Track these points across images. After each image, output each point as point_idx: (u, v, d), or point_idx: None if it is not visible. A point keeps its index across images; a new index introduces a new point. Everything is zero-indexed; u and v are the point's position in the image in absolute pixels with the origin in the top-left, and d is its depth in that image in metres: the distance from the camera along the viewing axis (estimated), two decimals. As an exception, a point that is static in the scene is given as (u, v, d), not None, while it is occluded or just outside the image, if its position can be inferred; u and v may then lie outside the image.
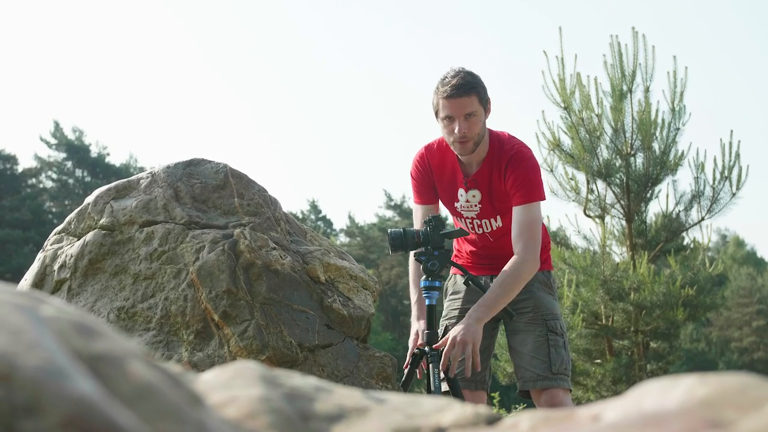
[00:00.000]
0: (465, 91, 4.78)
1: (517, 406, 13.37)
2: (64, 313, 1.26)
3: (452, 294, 5.41)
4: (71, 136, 55.98)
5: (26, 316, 1.16)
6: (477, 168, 5.02)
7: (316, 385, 1.62)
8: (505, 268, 4.88)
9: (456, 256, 5.42)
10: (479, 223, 5.13)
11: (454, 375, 4.81)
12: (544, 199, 4.98)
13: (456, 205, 5.16)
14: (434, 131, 5.17)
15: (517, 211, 4.91)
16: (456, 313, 5.32)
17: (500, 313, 4.99)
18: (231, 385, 1.52)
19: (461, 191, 5.10)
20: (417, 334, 5.06)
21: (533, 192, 4.90)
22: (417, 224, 5.23)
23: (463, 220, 5.19)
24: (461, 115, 4.81)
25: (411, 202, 5.38)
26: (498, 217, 5.08)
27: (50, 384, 1.00)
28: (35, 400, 0.98)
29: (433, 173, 5.16)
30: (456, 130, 4.83)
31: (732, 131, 12.95)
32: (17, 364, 1.01)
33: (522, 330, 5.16)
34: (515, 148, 4.96)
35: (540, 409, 4.92)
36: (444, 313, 5.45)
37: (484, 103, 4.88)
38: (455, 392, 4.85)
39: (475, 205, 5.08)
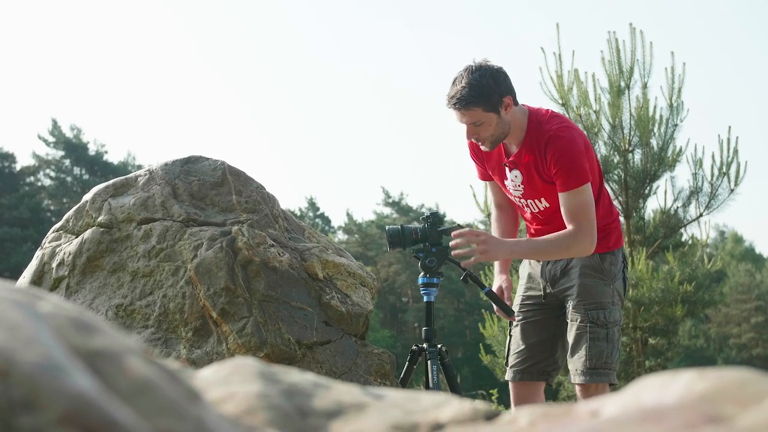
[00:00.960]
0: (464, 106, 4.73)
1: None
2: (62, 309, 1.26)
3: (519, 282, 5.41)
4: (69, 134, 55.97)
5: (24, 312, 1.16)
6: (517, 149, 4.97)
7: (315, 381, 1.62)
8: (560, 232, 4.84)
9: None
10: (526, 203, 5.08)
11: (456, 257, 4.82)
12: (587, 181, 4.81)
13: (506, 183, 5.13)
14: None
15: (563, 198, 4.84)
16: (519, 300, 5.31)
17: (501, 309, 5.00)
18: (229, 382, 1.52)
19: (506, 170, 5.06)
20: (499, 287, 5.24)
21: (572, 178, 4.78)
22: (491, 199, 5.47)
23: (515, 198, 5.15)
24: (468, 123, 4.80)
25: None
26: (542, 199, 4.99)
27: (48, 380, 1.00)
28: (33, 396, 0.98)
29: (483, 152, 5.13)
30: (466, 135, 4.88)
31: (730, 127, 12.94)
32: (15, 359, 1.01)
33: (569, 319, 5.05)
34: (552, 130, 4.85)
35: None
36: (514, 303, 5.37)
37: (493, 107, 4.76)
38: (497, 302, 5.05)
39: (519, 185, 5.03)
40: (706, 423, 1.16)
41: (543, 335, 5.20)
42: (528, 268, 5.33)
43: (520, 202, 5.13)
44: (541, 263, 5.18)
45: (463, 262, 4.79)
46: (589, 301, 4.97)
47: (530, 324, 5.24)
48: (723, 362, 52.03)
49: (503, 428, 1.45)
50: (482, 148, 4.96)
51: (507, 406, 13.87)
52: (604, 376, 4.93)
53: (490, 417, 1.54)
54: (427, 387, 4.89)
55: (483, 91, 4.71)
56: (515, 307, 5.29)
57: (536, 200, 5.02)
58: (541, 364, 5.20)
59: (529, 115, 4.94)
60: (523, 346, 5.22)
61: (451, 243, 4.76)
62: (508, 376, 5.28)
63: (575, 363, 4.98)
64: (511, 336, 5.33)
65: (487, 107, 4.74)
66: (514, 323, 5.30)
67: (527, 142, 4.90)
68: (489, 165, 5.19)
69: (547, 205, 5.01)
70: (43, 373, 1.01)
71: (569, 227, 4.82)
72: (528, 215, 5.20)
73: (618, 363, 5.07)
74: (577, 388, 5.03)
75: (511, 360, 5.26)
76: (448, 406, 1.55)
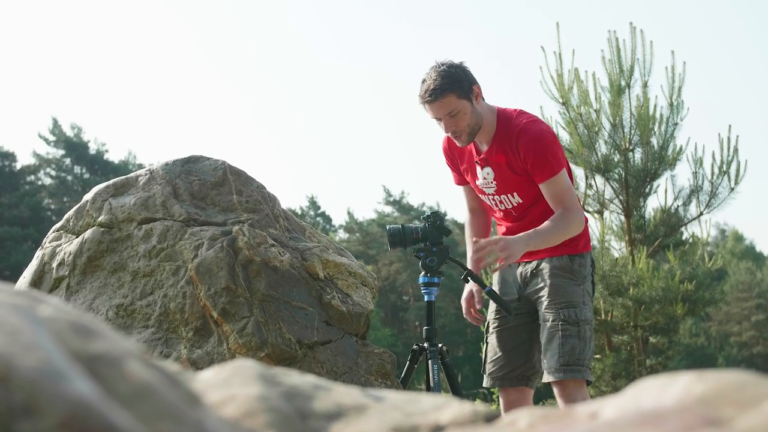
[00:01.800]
0: (438, 95, 4.86)
1: (544, 401, 13.37)
2: (62, 313, 1.26)
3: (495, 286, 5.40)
4: (70, 132, 56.03)
5: (23, 317, 1.16)
6: (487, 147, 5.09)
7: (315, 383, 1.62)
8: (553, 217, 4.96)
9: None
10: (500, 199, 5.16)
11: (477, 271, 4.94)
12: (563, 166, 5.03)
13: (477, 183, 5.22)
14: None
15: (545, 187, 5.00)
16: (495, 307, 5.31)
17: (501, 307, 5.01)
18: (229, 384, 1.52)
19: (478, 169, 5.17)
20: (470, 291, 5.38)
21: (549, 167, 4.95)
22: (465, 203, 5.56)
23: (486, 197, 5.24)
24: (443, 115, 4.91)
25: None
26: (515, 194, 5.09)
27: (48, 385, 1.00)
28: (33, 402, 0.98)
29: (455, 152, 5.30)
30: (444, 129, 4.99)
31: (730, 126, 12.94)
32: (14, 365, 1.01)
33: (542, 319, 5.09)
34: (522, 124, 5.01)
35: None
36: (489, 309, 5.43)
37: (466, 94, 4.91)
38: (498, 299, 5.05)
39: (491, 182, 5.12)
40: (704, 425, 1.16)
41: (519, 341, 5.23)
42: (501, 273, 5.36)
43: (493, 199, 5.21)
44: (513, 267, 5.23)
45: (494, 269, 4.90)
46: (560, 300, 5.03)
47: (507, 330, 5.27)
48: (724, 360, 52.05)
49: (503, 430, 1.45)
50: (458, 143, 5.07)
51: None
52: (578, 372, 4.96)
53: (490, 419, 1.54)
54: (427, 386, 4.90)
55: (454, 78, 4.89)
56: (489, 315, 5.34)
57: (509, 195, 5.12)
58: (519, 369, 5.23)
59: (498, 113, 5.09)
60: (500, 353, 5.26)
61: (475, 258, 4.82)
62: (487, 383, 5.33)
63: (548, 361, 5.00)
64: (487, 343, 5.35)
65: (460, 94, 4.89)
66: (491, 330, 5.33)
67: (497, 138, 5.04)
68: (462, 165, 5.30)
69: (520, 201, 5.12)
70: (43, 378, 1.01)
71: (558, 211, 4.97)
72: (500, 214, 5.28)
73: (591, 361, 5.10)
74: (555, 389, 5.03)
75: (489, 367, 5.29)
76: (448, 408, 1.56)
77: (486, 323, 5.37)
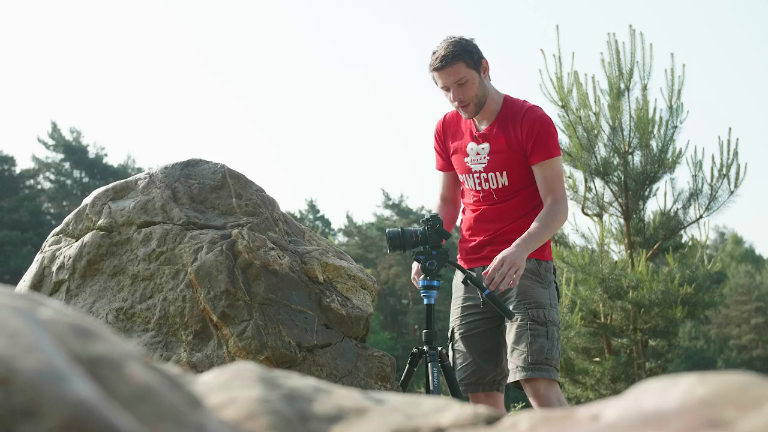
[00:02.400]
0: (448, 62, 4.97)
1: (515, 405, 13.37)
2: (63, 316, 1.26)
3: (455, 294, 5.39)
4: (69, 137, 56.03)
5: (24, 319, 1.16)
6: (488, 125, 5.17)
7: (315, 385, 1.62)
8: (543, 212, 5.04)
9: (461, 239, 5.44)
10: (486, 177, 5.17)
11: (492, 290, 4.83)
12: (560, 156, 5.15)
13: (466, 160, 5.24)
14: (432, 130, 5.21)
15: (540, 168, 5.07)
16: (458, 312, 5.29)
17: (501, 312, 4.99)
18: (230, 387, 1.52)
19: (472, 145, 5.21)
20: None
21: (548, 148, 5.06)
22: (438, 190, 5.55)
23: (471, 176, 5.23)
24: (452, 83, 5.02)
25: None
26: (504, 173, 5.11)
27: (49, 387, 1.00)
28: (34, 404, 0.98)
29: (449, 133, 5.36)
30: (451, 98, 5.06)
31: (730, 129, 12.96)
32: (16, 367, 1.01)
33: (509, 320, 5.06)
34: (527, 105, 5.16)
35: (539, 408, 4.89)
36: (451, 315, 5.42)
37: (475, 65, 5.03)
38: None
39: (484, 158, 5.15)
40: (706, 427, 1.16)
41: (488, 345, 5.21)
42: (457, 286, 5.36)
43: (478, 178, 5.21)
44: (477, 270, 5.19)
45: (504, 286, 4.84)
46: (528, 301, 5.04)
47: (474, 336, 5.25)
48: (723, 363, 52.04)
49: (504, 433, 1.45)
50: (465, 114, 5.16)
51: (507, 409, 13.88)
52: (545, 371, 4.93)
53: (491, 421, 1.54)
54: (427, 389, 4.89)
55: (464, 48, 5.03)
56: (456, 323, 5.31)
57: (498, 174, 5.14)
58: (490, 374, 5.21)
59: (505, 97, 5.22)
60: (470, 359, 5.23)
61: (489, 284, 4.83)
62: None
63: (515, 360, 4.98)
64: (454, 350, 5.32)
65: (469, 63, 5.02)
66: (456, 337, 5.30)
67: (501, 117, 5.15)
68: (454, 143, 5.34)
69: (506, 183, 5.14)
70: (44, 381, 1.01)
71: (547, 201, 5.06)
72: (477, 197, 5.26)
73: (559, 362, 5.09)
74: (526, 388, 5.00)
75: (459, 374, 5.23)
76: (449, 410, 1.56)
77: (450, 330, 5.35)
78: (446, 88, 5.06)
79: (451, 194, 5.52)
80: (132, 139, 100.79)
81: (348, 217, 63.09)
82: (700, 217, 13.28)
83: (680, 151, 13.15)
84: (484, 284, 4.85)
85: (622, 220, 13.58)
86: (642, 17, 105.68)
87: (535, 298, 5.06)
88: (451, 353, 5.31)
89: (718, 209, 13.18)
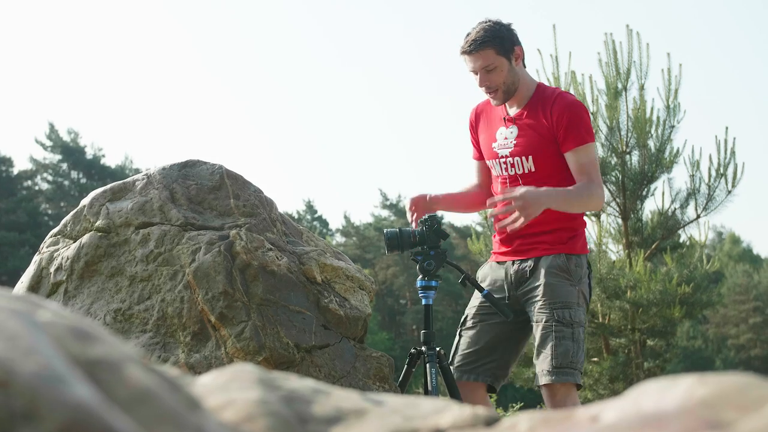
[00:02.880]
0: (477, 47, 4.98)
1: (514, 405, 13.37)
2: (61, 318, 1.26)
3: (481, 282, 5.29)
4: (66, 137, 56.01)
5: (23, 322, 1.16)
6: (519, 110, 5.15)
7: (314, 387, 1.62)
8: (577, 184, 4.95)
9: (494, 234, 5.37)
10: (512, 162, 5.10)
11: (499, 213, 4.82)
12: (594, 141, 5.06)
13: (493, 145, 5.19)
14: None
15: (573, 155, 4.99)
16: (478, 302, 5.20)
17: (498, 311, 4.97)
18: (228, 388, 1.52)
19: (501, 129, 5.18)
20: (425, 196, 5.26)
21: (580, 134, 4.98)
22: (476, 176, 5.50)
23: (497, 162, 5.18)
24: (480, 69, 5.02)
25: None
26: (530, 158, 5.04)
27: (48, 390, 1.00)
28: (33, 407, 0.97)
29: (480, 120, 5.35)
30: (478, 83, 5.07)
31: (727, 128, 12.96)
32: (14, 370, 1.01)
33: (534, 320, 5.00)
34: (558, 91, 5.16)
35: (543, 409, 4.87)
36: (470, 302, 5.32)
37: (505, 52, 5.02)
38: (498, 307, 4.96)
39: (511, 142, 5.10)
40: (706, 429, 1.16)
41: (498, 338, 5.13)
42: (490, 271, 5.29)
43: (504, 162, 5.15)
44: (506, 265, 5.15)
45: (510, 227, 4.78)
46: (555, 301, 4.93)
47: (488, 326, 5.15)
48: (721, 363, 52.06)
49: (503, 434, 1.45)
50: (493, 101, 5.14)
51: (505, 409, 13.89)
52: (570, 375, 4.87)
53: (490, 422, 1.53)
54: (425, 390, 4.89)
55: (496, 34, 5.01)
56: (472, 310, 5.25)
57: (523, 158, 5.07)
58: (490, 364, 5.12)
59: (538, 84, 5.20)
60: (474, 348, 5.15)
61: (491, 214, 4.80)
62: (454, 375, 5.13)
63: (541, 364, 4.91)
64: (461, 336, 5.23)
65: (499, 50, 5.00)
66: (469, 324, 5.21)
67: (532, 103, 5.10)
68: (484, 129, 5.31)
69: (532, 169, 5.06)
70: (43, 384, 1.00)
71: (581, 181, 4.96)
72: (505, 183, 5.17)
73: (583, 364, 5.01)
74: (543, 392, 4.95)
75: (458, 359, 5.17)
76: (448, 411, 1.55)
77: (464, 316, 5.29)
78: (475, 72, 5.05)
79: (485, 181, 5.46)
80: (129, 139, 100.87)
81: (346, 217, 63.08)
82: (698, 216, 13.30)
83: (678, 151, 13.16)
84: (488, 203, 4.85)
85: (620, 220, 13.59)
86: (639, 17, 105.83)
87: (562, 297, 4.94)
88: (457, 338, 5.25)
89: (716, 209, 13.19)
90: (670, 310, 13.07)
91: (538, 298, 4.98)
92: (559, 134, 4.98)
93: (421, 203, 5.20)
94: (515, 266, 5.10)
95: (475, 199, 5.50)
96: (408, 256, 5.16)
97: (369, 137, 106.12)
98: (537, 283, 4.99)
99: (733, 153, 12.95)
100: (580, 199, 4.92)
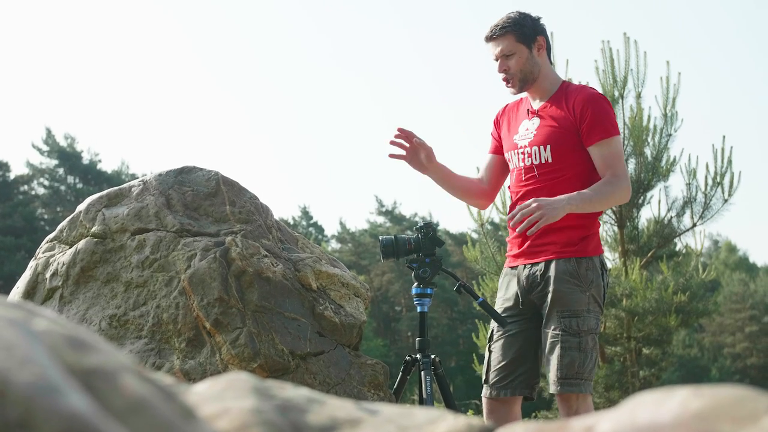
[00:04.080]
0: (497, 33, 5.09)
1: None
2: (57, 327, 1.26)
3: (498, 294, 5.30)
4: (63, 142, 56.00)
5: (19, 331, 1.16)
6: (542, 103, 5.18)
7: (309, 396, 1.62)
8: (601, 181, 4.95)
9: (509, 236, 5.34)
10: (529, 151, 5.09)
11: (519, 228, 4.79)
12: (619, 133, 5.07)
13: (515, 137, 5.20)
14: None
15: (597, 149, 4.98)
16: (499, 303, 5.21)
17: (494, 320, 4.97)
18: (223, 397, 1.52)
19: (524, 122, 5.20)
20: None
21: (605, 127, 4.98)
22: (482, 170, 5.54)
23: (516, 152, 5.17)
24: (499, 55, 5.10)
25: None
26: (548, 148, 5.01)
27: (43, 400, 1.00)
28: (28, 417, 0.97)
29: (506, 116, 5.39)
30: (497, 69, 5.14)
31: (724, 137, 12.95)
32: (10, 380, 1.01)
33: (544, 326, 4.98)
34: (583, 86, 5.23)
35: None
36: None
37: (525, 40, 5.09)
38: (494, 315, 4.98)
39: (532, 132, 5.11)
40: (701, 441, 1.16)
41: (525, 347, 5.10)
42: (504, 278, 5.26)
43: (522, 153, 5.13)
44: (517, 270, 5.12)
45: (528, 233, 4.83)
46: (562, 309, 4.90)
47: (511, 337, 5.12)
48: (717, 372, 52.05)
49: (498, 444, 1.45)
50: (510, 90, 5.16)
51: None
52: (575, 386, 4.86)
53: (485, 432, 1.53)
54: (420, 397, 4.89)
55: (518, 22, 5.10)
56: (494, 323, 5.21)
57: (541, 147, 5.05)
58: (523, 376, 5.09)
59: (563, 81, 5.23)
60: (504, 361, 5.10)
61: (511, 224, 4.81)
62: (487, 393, 5.15)
63: (548, 373, 4.93)
64: (491, 351, 5.20)
65: (519, 37, 5.08)
66: (495, 338, 5.18)
67: (556, 96, 5.13)
68: (508, 123, 5.32)
69: (549, 159, 5.04)
70: (39, 394, 1.00)
71: (606, 176, 4.95)
72: (520, 176, 5.16)
73: (594, 373, 4.99)
74: (557, 400, 4.97)
75: (492, 376, 5.13)
76: (442, 421, 1.55)
77: (490, 331, 5.26)
78: (495, 59, 5.12)
79: (489, 177, 5.49)
80: (126, 145, 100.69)
81: (341, 223, 63.20)
82: (694, 225, 13.28)
83: (674, 159, 13.14)
84: (508, 219, 4.84)
85: (615, 228, 13.57)
86: (637, 25, 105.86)
87: (570, 305, 4.91)
88: (486, 354, 5.23)
89: (712, 217, 13.17)
90: (665, 318, 13.06)
91: (547, 305, 4.96)
92: (582, 127, 4.98)
93: (417, 144, 5.31)
94: (526, 271, 5.07)
95: (471, 186, 5.51)
96: (403, 263, 5.16)
97: (365, 143, 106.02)
98: (547, 290, 4.96)
99: (730, 162, 12.94)
100: (601, 197, 4.90)
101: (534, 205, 4.71)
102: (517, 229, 4.84)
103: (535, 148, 5.06)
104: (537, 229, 4.74)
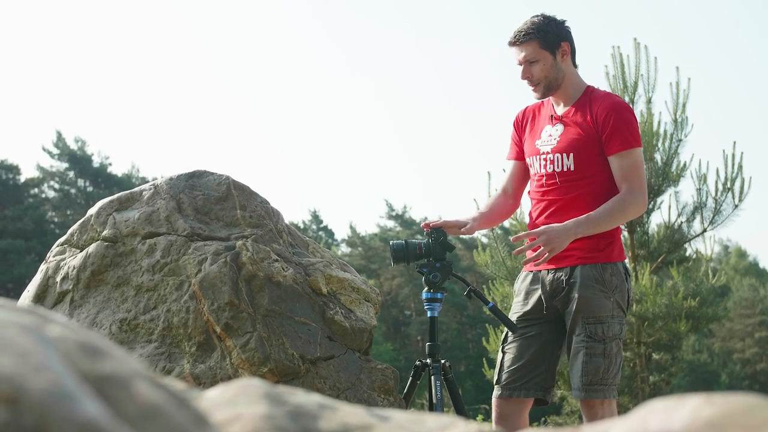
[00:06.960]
0: (520, 39, 5.05)
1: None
2: (71, 333, 1.27)
3: (515, 298, 5.26)
4: (73, 146, 56.03)
5: (33, 338, 1.16)
6: (566, 109, 5.14)
7: (320, 402, 1.62)
8: (613, 198, 4.91)
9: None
10: (552, 159, 5.06)
11: (518, 253, 4.82)
12: (641, 146, 5.01)
13: (537, 142, 5.17)
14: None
15: (617, 159, 4.95)
16: (516, 317, 5.14)
17: (504, 325, 4.97)
18: (235, 403, 1.52)
19: (547, 127, 5.17)
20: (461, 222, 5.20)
21: (626, 138, 4.94)
22: (504, 180, 5.50)
23: (538, 158, 5.14)
24: (523, 61, 5.06)
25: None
26: (571, 156, 4.99)
27: (58, 407, 1.00)
28: (43, 424, 0.98)
29: (528, 119, 5.35)
30: (521, 75, 5.10)
31: (735, 142, 12.92)
32: (25, 387, 1.01)
33: (569, 332, 4.97)
34: (607, 93, 5.14)
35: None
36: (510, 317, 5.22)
37: (549, 46, 5.05)
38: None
39: (555, 139, 5.08)
40: (712, 449, 1.16)
41: (543, 349, 5.07)
42: (525, 282, 5.22)
43: (545, 159, 5.11)
44: (541, 274, 5.08)
45: (536, 264, 4.85)
46: (587, 315, 4.88)
47: (528, 339, 5.10)
48: (727, 377, 51.93)
49: (509, 451, 1.45)
50: (534, 95, 5.13)
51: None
52: (599, 392, 4.85)
53: (496, 439, 1.53)
54: (430, 403, 4.88)
55: (542, 28, 5.05)
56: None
57: (563, 155, 5.03)
58: (539, 377, 5.06)
59: (588, 86, 5.17)
60: (519, 363, 5.08)
61: (515, 252, 4.80)
62: (498, 393, 5.13)
63: (573, 379, 4.91)
64: (505, 352, 5.17)
65: (543, 43, 5.04)
66: (510, 339, 5.16)
67: (581, 102, 5.09)
68: (531, 128, 5.29)
69: (571, 167, 5.01)
70: (53, 401, 1.01)
71: (621, 189, 4.92)
72: (542, 182, 5.13)
73: (618, 378, 4.96)
74: (581, 406, 4.94)
75: (504, 377, 5.10)
76: (453, 427, 1.55)
77: (505, 333, 5.24)
78: (519, 64, 5.08)
79: (513, 186, 5.46)
80: (136, 148, 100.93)
81: (351, 227, 63.08)
82: (704, 230, 13.25)
83: (685, 165, 13.12)
84: (512, 240, 4.85)
85: (626, 233, 13.54)
86: (647, 31, 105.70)
87: (595, 311, 4.89)
88: (500, 355, 5.21)
89: (722, 223, 13.13)
90: (675, 323, 13.04)
91: (571, 311, 4.93)
92: (604, 136, 4.95)
93: (447, 228, 5.18)
94: (550, 276, 5.04)
95: (502, 210, 5.49)
96: (413, 268, 5.16)
97: (375, 147, 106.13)
98: (572, 295, 4.94)
99: (740, 167, 12.91)
100: (610, 217, 4.89)
101: (542, 238, 4.74)
102: (522, 261, 4.86)
103: (558, 155, 5.04)
104: (544, 262, 4.79)
